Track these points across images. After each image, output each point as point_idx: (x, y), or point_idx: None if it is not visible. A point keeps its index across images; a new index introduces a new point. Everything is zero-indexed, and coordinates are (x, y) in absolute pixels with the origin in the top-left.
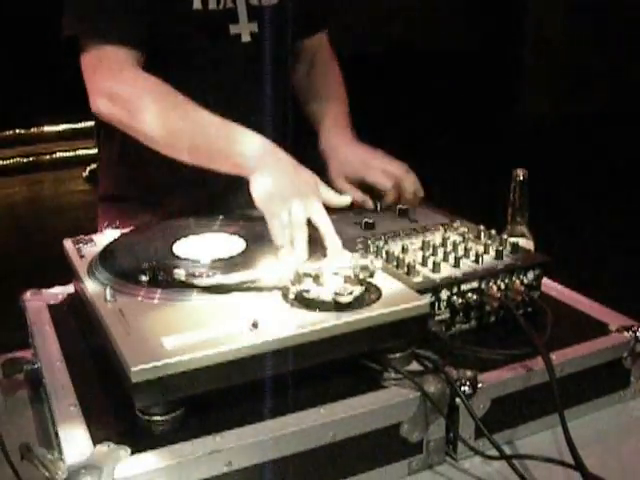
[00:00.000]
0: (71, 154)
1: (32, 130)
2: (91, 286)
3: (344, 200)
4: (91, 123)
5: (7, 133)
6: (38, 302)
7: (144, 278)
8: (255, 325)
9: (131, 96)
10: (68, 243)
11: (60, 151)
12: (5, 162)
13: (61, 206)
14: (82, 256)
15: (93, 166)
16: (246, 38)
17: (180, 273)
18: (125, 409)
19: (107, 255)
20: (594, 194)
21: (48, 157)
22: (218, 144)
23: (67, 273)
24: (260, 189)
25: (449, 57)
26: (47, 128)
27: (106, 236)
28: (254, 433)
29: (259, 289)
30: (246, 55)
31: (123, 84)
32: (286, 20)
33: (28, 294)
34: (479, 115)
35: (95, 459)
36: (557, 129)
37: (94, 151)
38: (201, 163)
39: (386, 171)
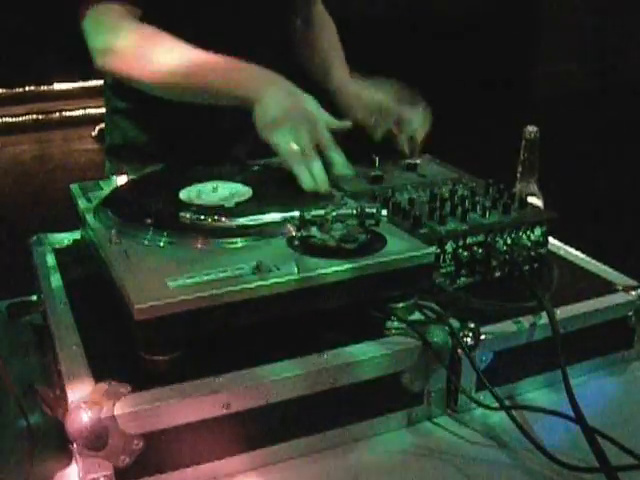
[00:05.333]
0: (80, 113)
1: (42, 88)
2: (97, 228)
3: (345, 124)
4: (101, 82)
5: (17, 90)
6: (43, 246)
7: (149, 221)
8: (259, 268)
9: (129, 48)
10: (75, 188)
11: (69, 109)
12: (15, 119)
13: (69, 164)
14: (89, 200)
15: (102, 125)
16: None
17: (185, 216)
18: (127, 349)
19: (113, 199)
20: (609, 157)
21: (57, 115)
22: (217, 80)
23: (73, 227)
24: (264, 118)
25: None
26: (57, 86)
27: (113, 181)
28: (254, 376)
29: (264, 234)
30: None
31: (121, 38)
32: None
33: (34, 238)
34: (496, 75)
35: (95, 395)
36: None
37: (103, 110)
38: (205, 101)
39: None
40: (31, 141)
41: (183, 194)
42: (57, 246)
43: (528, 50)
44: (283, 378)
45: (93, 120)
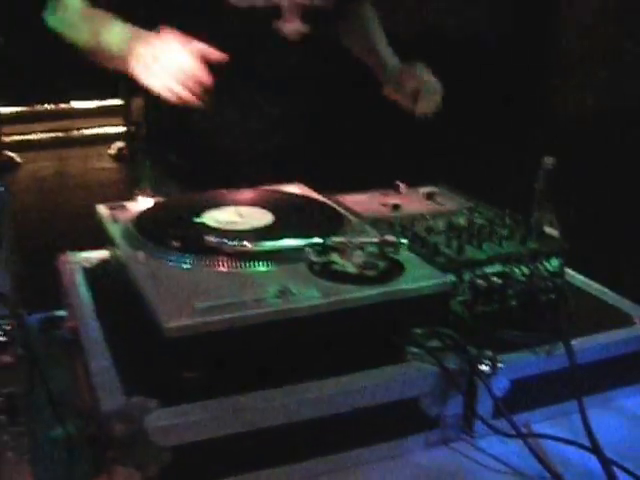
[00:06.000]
0: (99, 131)
1: (61, 106)
2: (126, 250)
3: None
4: (119, 101)
5: (37, 108)
6: (73, 264)
7: (175, 244)
8: (282, 292)
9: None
10: (102, 209)
11: (88, 128)
12: (35, 137)
13: (88, 182)
14: (116, 221)
15: (119, 144)
16: None
17: (210, 240)
18: (156, 365)
19: (141, 220)
20: (627, 190)
21: (76, 133)
22: (102, 45)
23: (92, 242)
24: (137, 64)
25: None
26: (76, 104)
27: (138, 203)
28: (276, 396)
29: (286, 259)
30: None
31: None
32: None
33: (63, 257)
34: (511, 102)
35: (126, 409)
36: (596, 121)
37: (121, 129)
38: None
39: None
40: (50, 158)
41: (207, 218)
42: (86, 264)
43: (544, 71)
44: (304, 399)
45: (111, 138)
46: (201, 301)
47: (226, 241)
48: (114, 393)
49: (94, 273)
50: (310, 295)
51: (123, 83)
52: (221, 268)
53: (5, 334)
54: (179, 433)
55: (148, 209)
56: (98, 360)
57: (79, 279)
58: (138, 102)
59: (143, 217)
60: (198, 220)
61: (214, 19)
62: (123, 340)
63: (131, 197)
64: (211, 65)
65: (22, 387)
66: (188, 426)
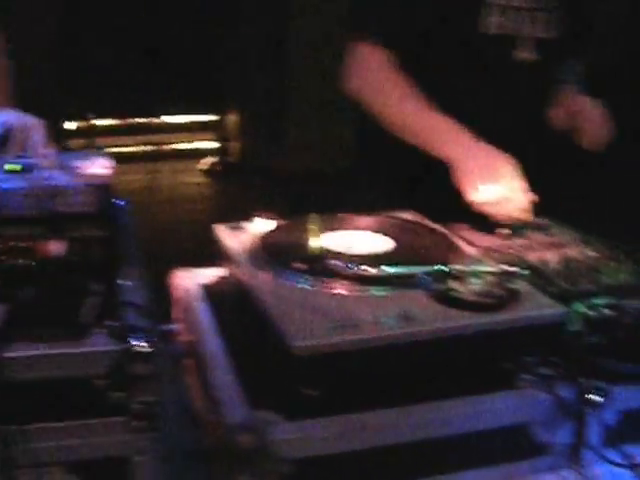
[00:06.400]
0: (189, 146)
1: (153, 120)
2: (249, 269)
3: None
4: (211, 117)
5: (130, 121)
6: (189, 280)
7: (300, 266)
8: (403, 317)
9: (377, 90)
10: (220, 228)
11: (179, 142)
12: (127, 149)
13: (178, 196)
14: (236, 241)
15: (210, 159)
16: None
17: (334, 264)
18: (278, 380)
19: (266, 242)
20: None
21: (167, 147)
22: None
23: (181, 256)
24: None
25: None
26: (168, 119)
27: (256, 224)
28: (391, 417)
29: (406, 285)
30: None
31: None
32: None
33: (178, 273)
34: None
35: (251, 422)
36: None
37: (212, 144)
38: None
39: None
40: (141, 171)
41: (327, 241)
42: (203, 280)
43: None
44: (423, 420)
45: (201, 154)
46: (326, 322)
47: (349, 265)
48: (238, 406)
49: (211, 289)
50: (430, 320)
51: (217, 99)
52: (342, 291)
53: (149, 345)
54: (302, 447)
55: (271, 231)
56: (221, 374)
57: (198, 295)
58: (232, 118)
59: (267, 239)
60: (318, 243)
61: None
62: (244, 355)
63: (220, 212)
64: None
65: (159, 396)
66: (311, 440)
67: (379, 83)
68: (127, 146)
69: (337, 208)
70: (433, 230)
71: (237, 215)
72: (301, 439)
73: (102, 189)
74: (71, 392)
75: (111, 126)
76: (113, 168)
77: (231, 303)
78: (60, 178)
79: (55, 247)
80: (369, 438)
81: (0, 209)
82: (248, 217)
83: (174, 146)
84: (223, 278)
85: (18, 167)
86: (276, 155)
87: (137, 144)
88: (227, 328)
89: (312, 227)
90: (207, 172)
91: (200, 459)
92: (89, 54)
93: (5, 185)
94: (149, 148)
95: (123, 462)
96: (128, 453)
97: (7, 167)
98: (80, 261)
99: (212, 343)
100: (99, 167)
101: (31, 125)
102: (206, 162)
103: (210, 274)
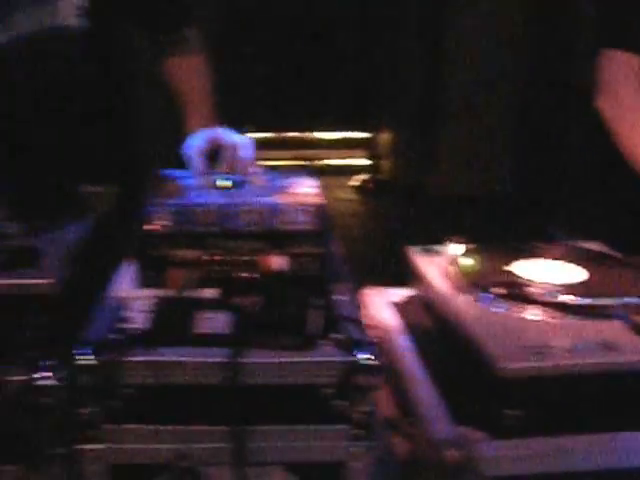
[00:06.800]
0: (341, 162)
1: (307, 135)
2: (448, 292)
3: None
4: (363, 134)
5: (283, 135)
6: (380, 298)
7: (500, 291)
8: (603, 345)
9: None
10: (415, 250)
11: (331, 158)
12: (279, 163)
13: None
14: (430, 264)
15: (362, 176)
16: None
17: (534, 291)
18: (481, 400)
19: (464, 267)
20: None
21: (319, 163)
22: None
23: None
24: None
25: None
26: (320, 135)
27: (450, 248)
28: (598, 443)
29: (602, 314)
30: None
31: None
32: None
33: (367, 291)
34: None
35: (458, 438)
36: None
37: (364, 162)
38: None
39: None
40: None
41: (519, 267)
42: (392, 299)
43: None
44: (615, 447)
45: (353, 171)
46: (528, 346)
47: (548, 292)
48: (444, 422)
49: (402, 308)
50: (630, 351)
51: (370, 116)
52: (540, 317)
53: (374, 358)
54: (506, 465)
55: (465, 255)
56: (423, 391)
57: (389, 312)
58: (384, 136)
59: (463, 263)
60: (513, 269)
61: None
62: (444, 373)
63: (372, 229)
64: None
65: (375, 406)
66: (514, 459)
67: (630, 98)
68: (280, 160)
69: (496, 232)
70: (623, 261)
71: (389, 233)
72: (505, 457)
73: (320, 209)
74: (299, 398)
75: (265, 139)
76: (319, 187)
77: (426, 322)
78: (276, 197)
79: (277, 262)
80: (570, 461)
81: (221, 223)
82: (399, 236)
83: (326, 162)
84: (413, 298)
85: (229, 183)
86: (428, 174)
87: (290, 158)
88: (423, 345)
89: (504, 253)
90: (358, 189)
91: (407, 469)
92: (248, 68)
93: (221, 200)
94: (302, 163)
95: (339, 466)
96: (346, 458)
97: (219, 183)
98: (300, 276)
99: (410, 360)
100: (307, 187)
101: (241, 143)
102: (358, 179)
103: (399, 293)
